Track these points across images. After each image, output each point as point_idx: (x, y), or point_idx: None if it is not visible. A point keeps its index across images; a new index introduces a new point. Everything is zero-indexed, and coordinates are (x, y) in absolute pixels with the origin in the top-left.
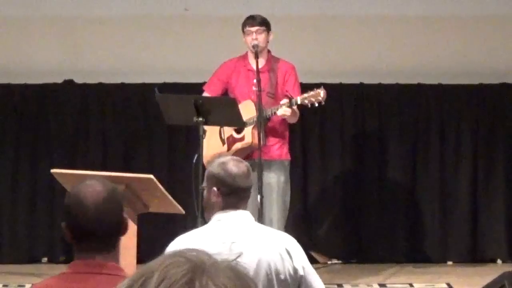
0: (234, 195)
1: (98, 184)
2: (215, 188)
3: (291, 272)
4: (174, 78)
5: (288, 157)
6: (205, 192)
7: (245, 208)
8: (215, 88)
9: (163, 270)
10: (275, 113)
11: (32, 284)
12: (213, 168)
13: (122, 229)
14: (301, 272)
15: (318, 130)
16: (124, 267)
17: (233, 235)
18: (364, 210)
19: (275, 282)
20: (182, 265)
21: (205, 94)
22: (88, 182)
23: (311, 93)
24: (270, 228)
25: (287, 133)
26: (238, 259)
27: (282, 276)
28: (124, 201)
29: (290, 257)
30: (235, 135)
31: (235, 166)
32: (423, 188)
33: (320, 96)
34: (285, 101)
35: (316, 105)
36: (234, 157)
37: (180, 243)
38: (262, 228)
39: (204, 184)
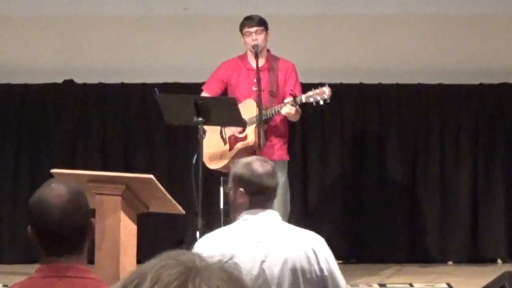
0: (260, 194)
1: (62, 186)
2: (241, 189)
3: (317, 271)
4: (174, 78)
5: (288, 157)
6: (231, 193)
7: (272, 207)
8: (214, 88)
9: (156, 272)
10: (278, 111)
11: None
12: (238, 168)
13: (88, 232)
14: (325, 272)
15: (318, 130)
16: (124, 267)
17: (258, 235)
18: (364, 210)
19: (301, 281)
20: (175, 267)
21: (204, 94)
22: (52, 185)
23: (316, 91)
24: (297, 227)
25: (287, 133)
26: (265, 258)
27: (308, 276)
28: (123, 201)
29: (316, 256)
30: (238, 135)
31: (260, 166)
32: (423, 188)
33: (325, 93)
34: (289, 99)
35: (321, 103)
36: (259, 157)
37: (206, 243)
38: (289, 227)
39: (230, 185)
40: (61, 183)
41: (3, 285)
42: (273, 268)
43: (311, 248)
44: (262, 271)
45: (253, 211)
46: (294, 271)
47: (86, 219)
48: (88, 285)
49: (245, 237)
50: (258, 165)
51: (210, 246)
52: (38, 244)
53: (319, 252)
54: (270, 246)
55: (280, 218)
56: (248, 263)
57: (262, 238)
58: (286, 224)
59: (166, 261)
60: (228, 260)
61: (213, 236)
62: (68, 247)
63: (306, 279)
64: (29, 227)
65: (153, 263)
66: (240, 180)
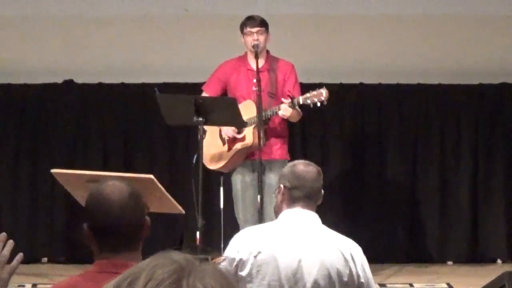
0: (298, 190)
1: (120, 183)
2: (281, 185)
3: (354, 277)
4: (174, 78)
5: (288, 157)
6: (276, 193)
7: (313, 210)
8: (214, 88)
9: (150, 270)
10: (276, 113)
11: (56, 283)
12: (284, 169)
13: (144, 229)
14: (362, 279)
15: (318, 130)
16: None
17: (298, 233)
18: (364, 210)
19: (337, 284)
20: (168, 265)
21: (204, 94)
22: (111, 182)
23: (313, 93)
24: (336, 232)
25: (287, 133)
26: (303, 257)
27: (345, 279)
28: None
29: (354, 262)
30: (236, 135)
31: (303, 165)
32: (423, 188)
33: (322, 96)
34: (287, 101)
35: (319, 105)
36: (306, 161)
37: (245, 235)
38: (328, 230)
39: (276, 187)
40: (118, 181)
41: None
42: (311, 267)
43: (349, 253)
44: (299, 269)
45: (295, 210)
46: (331, 273)
47: (143, 216)
48: None
49: (285, 233)
50: (300, 164)
51: (249, 239)
52: (94, 242)
53: (357, 258)
54: (309, 245)
55: (320, 221)
56: (287, 259)
57: (302, 236)
58: (326, 227)
59: (159, 260)
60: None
61: (252, 231)
62: (125, 244)
63: (342, 282)
64: (84, 224)
65: (146, 262)
66: (283, 177)
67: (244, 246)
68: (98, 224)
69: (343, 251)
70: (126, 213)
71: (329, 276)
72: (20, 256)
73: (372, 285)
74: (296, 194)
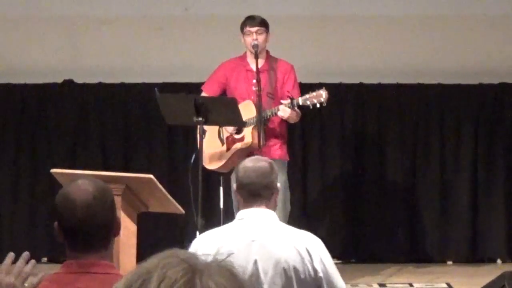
0: (247, 189)
1: (88, 183)
2: (234, 185)
3: (311, 272)
4: (174, 78)
5: (287, 157)
6: (233, 195)
7: (269, 206)
8: (213, 89)
9: (161, 270)
10: (275, 113)
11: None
12: (235, 168)
13: (114, 228)
14: (320, 273)
15: (318, 130)
16: (124, 267)
17: (253, 233)
18: (364, 210)
19: (294, 281)
20: (179, 265)
21: (203, 94)
22: (78, 182)
23: (313, 94)
24: (294, 228)
25: (286, 134)
26: (258, 257)
27: (302, 276)
28: (123, 201)
29: (310, 257)
30: (235, 135)
31: (251, 162)
32: (423, 188)
33: (322, 97)
34: (286, 101)
35: (318, 106)
36: (259, 157)
37: (203, 241)
38: (284, 227)
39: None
40: (87, 180)
41: None
42: (266, 267)
43: (305, 248)
44: (255, 270)
45: (249, 211)
46: (286, 270)
47: (112, 216)
48: (112, 280)
49: (239, 235)
50: (250, 161)
51: (206, 244)
52: (63, 240)
53: (314, 252)
54: (264, 245)
55: (278, 218)
56: (242, 262)
57: (256, 237)
58: (282, 224)
59: (168, 259)
60: (224, 258)
61: (209, 235)
62: (93, 243)
63: (299, 279)
64: (55, 223)
65: (155, 262)
66: (234, 177)
67: (201, 251)
68: (65, 224)
69: (298, 248)
70: (91, 214)
71: (286, 274)
72: (32, 263)
73: (333, 278)
74: (247, 193)
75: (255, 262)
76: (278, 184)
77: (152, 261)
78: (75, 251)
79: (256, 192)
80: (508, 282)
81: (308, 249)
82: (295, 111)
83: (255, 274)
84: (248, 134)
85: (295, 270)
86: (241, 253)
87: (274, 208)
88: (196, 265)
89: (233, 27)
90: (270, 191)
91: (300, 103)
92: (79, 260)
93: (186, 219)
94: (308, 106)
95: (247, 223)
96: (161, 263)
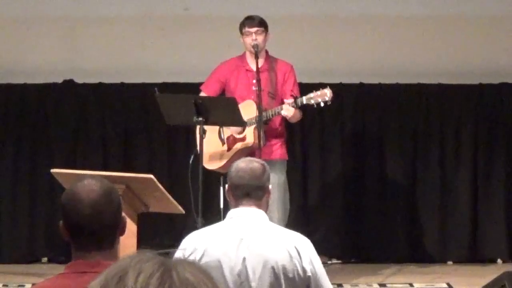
0: (239, 189)
1: (94, 182)
2: (227, 184)
3: (300, 271)
4: (174, 78)
5: (287, 156)
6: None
7: (260, 207)
8: (213, 88)
9: (136, 265)
10: (278, 113)
11: (32, 285)
12: (229, 168)
13: (119, 228)
14: (309, 273)
15: (318, 130)
16: None
17: (242, 233)
18: (364, 210)
19: (282, 280)
20: (152, 259)
21: (202, 94)
22: (85, 181)
23: (317, 93)
24: (282, 227)
25: (285, 133)
26: (246, 256)
27: (290, 275)
28: (123, 201)
29: (300, 256)
30: (236, 135)
31: (244, 163)
32: (423, 188)
33: (327, 96)
34: (290, 100)
35: (322, 105)
36: (253, 158)
37: (192, 239)
38: (274, 226)
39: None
40: (94, 179)
41: (3, 285)
42: (255, 265)
43: (294, 247)
44: (244, 268)
45: (239, 210)
46: (275, 270)
47: (118, 215)
48: None
49: (228, 234)
50: (243, 162)
51: (196, 242)
52: (69, 239)
53: (303, 252)
54: (253, 243)
55: (267, 218)
56: (230, 260)
57: (245, 236)
58: (272, 223)
59: (140, 256)
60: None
61: (198, 233)
62: (98, 243)
63: (288, 278)
64: (60, 222)
65: (127, 260)
66: (228, 177)
67: (189, 250)
68: (71, 223)
69: (288, 247)
70: (97, 213)
71: (274, 273)
72: None
73: (320, 278)
74: (238, 193)
75: (244, 260)
76: (270, 186)
77: (123, 260)
78: (82, 250)
79: (248, 193)
80: (508, 282)
81: (298, 248)
82: (298, 110)
83: (244, 272)
84: (250, 134)
85: (284, 268)
86: (230, 252)
87: (265, 209)
88: (168, 260)
89: (233, 28)
90: (262, 192)
91: (304, 102)
92: (86, 259)
93: (186, 219)
94: (313, 105)
95: (237, 222)
96: (134, 260)
